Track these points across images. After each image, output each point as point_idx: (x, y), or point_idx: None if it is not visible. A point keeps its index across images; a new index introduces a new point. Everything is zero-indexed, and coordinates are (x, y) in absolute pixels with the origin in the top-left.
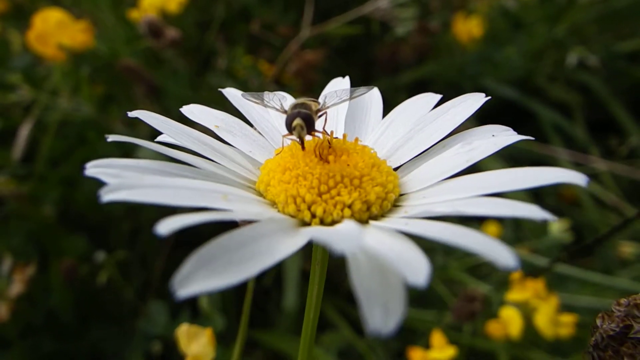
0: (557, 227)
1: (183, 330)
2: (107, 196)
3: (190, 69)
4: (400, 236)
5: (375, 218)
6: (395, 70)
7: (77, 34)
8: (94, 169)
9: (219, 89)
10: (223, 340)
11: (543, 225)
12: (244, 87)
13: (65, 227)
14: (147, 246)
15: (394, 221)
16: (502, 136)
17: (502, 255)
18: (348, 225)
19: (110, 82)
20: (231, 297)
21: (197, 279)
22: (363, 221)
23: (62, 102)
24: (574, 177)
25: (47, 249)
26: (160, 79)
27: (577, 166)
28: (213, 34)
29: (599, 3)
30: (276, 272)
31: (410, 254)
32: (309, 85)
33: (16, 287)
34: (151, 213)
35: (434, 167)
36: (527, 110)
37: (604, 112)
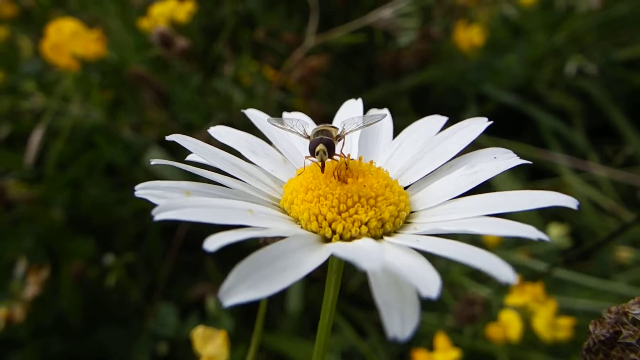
0: (556, 232)
1: (198, 332)
2: (158, 215)
3: (197, 75)
4: (413, 252)
5: (389, 234)
6: (397, 76)
7: (90, 44)
8: (142, 190)
9: (242, 111)
10: (230, 341)
11: (542, 230)
12: (250, 93)
13: (73, 230)
14: (152, 248)
15: (406, 237)
16: (503, 160)
17: (503, 272)
18: (368, 243)
19: (118, 88)
20: None
21: (239, 291)
22: (378, 237)
23: (74, 109)
24: (567, 202)
25: (55, 251)
26: (168, 85)
27: (577, 172)
28: (222, 42)
29: (598, 11)
30: None
31: (424, 269)
32: (312, 91)
33: (31, 290)
34: None
35: (441, 188)
36: (527, 117)
37: (603, 119)
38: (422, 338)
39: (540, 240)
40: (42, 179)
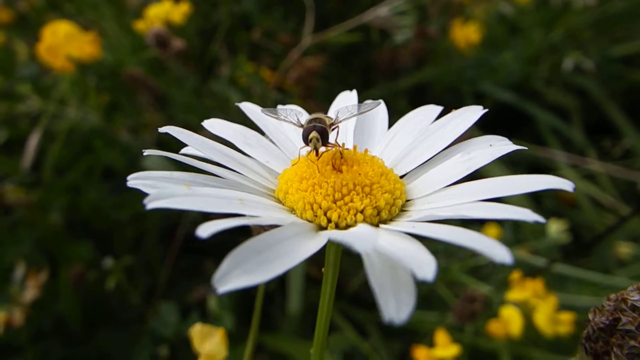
0: (555, 228)
1: (197, 330)
2: (150, 204)
3: (194, 77)
4: (409, 237)
5: (385, 222)
6: (395, 75)
7: (85, 46)
8: (134, 180)
9: (236, 104)
10: (231, 340)
11: (541, 226)
12: (247, 94)
13: (72, 234)
14: (151, 252)
15: (402, 224)
16: (499, 146)
17: (499, 253)
18: (363, 228)
19: (115, 91)
20: (238, 300)
21: (233, 277)
22: (374, 225)
23: (70, 112)
24: (563, 184)
25: (54, 255)
26: (165, 87)
27: (575, 168)
28: (217, 43)
29: (594, 8)
30: (280, 276)
31: (419, 252)
32: (309, 92)
33: (30, 293)
34: (155, 220)
35: (436, 175)
36: (525, 114)
37: (601, 115)
38: (424, 337)
39: (537, 224)
40: (40, 183)
